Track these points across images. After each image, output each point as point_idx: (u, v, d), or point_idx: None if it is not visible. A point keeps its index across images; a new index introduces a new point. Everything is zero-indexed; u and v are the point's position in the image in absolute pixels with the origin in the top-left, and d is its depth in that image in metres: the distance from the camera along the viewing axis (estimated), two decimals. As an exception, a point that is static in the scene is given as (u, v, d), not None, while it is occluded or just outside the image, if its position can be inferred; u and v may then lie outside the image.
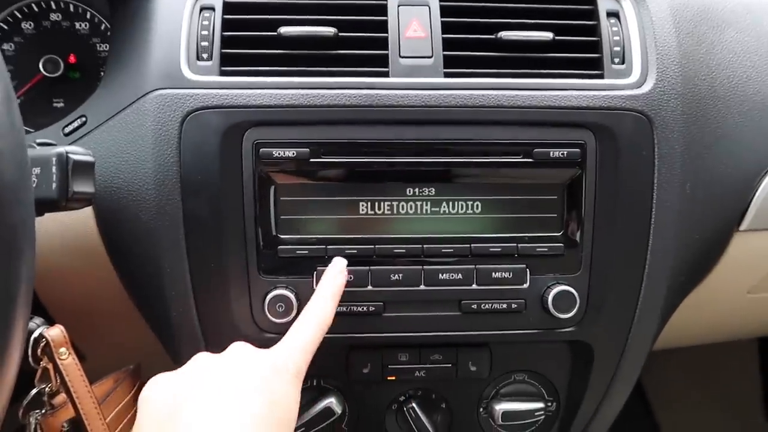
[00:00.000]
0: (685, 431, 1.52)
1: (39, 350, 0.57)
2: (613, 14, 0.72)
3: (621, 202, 0.67)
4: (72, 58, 0.82)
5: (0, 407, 0.36)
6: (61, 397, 0.61)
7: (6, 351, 0.36)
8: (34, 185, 0.46)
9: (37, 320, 0.58)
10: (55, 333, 0.58)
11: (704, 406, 1.55)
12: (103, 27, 0.82)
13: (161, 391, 0.52)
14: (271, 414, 0.49)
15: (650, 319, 0.71)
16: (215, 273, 0.66)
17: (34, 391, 0.59)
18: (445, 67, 0.67)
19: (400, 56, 0.68)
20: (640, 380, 1.55)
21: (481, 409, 0.75)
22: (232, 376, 0.51)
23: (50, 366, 0.59)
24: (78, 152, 0.48)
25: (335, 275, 0.63)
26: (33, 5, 0.82)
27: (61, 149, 0.47)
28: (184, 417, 0.48)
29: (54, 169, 0.46)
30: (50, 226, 0.67)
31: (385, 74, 0.67)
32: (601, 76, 0.69)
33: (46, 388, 0.60)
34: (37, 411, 0.60)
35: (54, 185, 0.46)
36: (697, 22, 0.73)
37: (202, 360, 0.55)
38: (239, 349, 0.56)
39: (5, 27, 0.81)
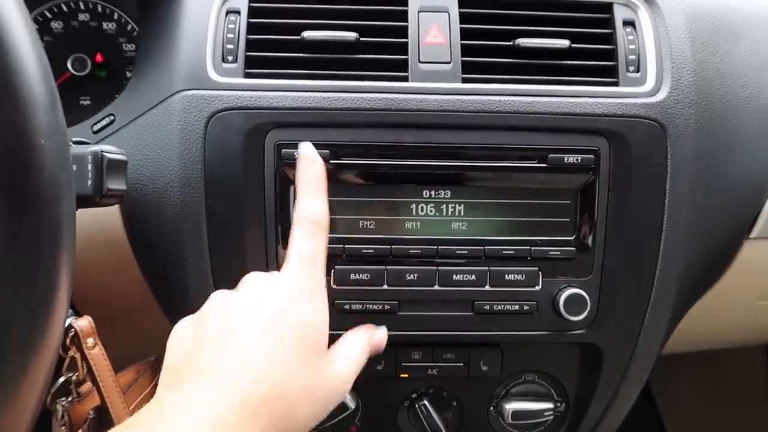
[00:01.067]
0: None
1: (68, 340, 0.60)
2: (629, 23, 0.73)
3: (633, 208, 0.69)
4: (99, 57, 0.85)
5: (39, 390, 0.38)
6: (87, 385, 0.63)
7: (48, 337, 0.38)
8: (70, 181, 0.48)
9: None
10: (84, 324, 0.60)
11: (712, 411, 1.55)
12: (129, 27, 0.84)
13: (181, 335, 0.54)
14: (295, 334, 0.51)
15: (659, 323, 0.72)
16: (236, 269, 0.67)
17: (61, 379, 0.62)
18: (463, 73, 0.69)
19: (420, 61, 0.69)
20: (650, 385, 1.56)
21: (492, 408, 0.77)
22: (246, 309, 0.52)
23: (78, 355, 0.61)
24: (112, 151, 0.50)
25: (307, 162, 0.60)
26: (62, 5, 0.84)
27: (96, 148, 0.49)
28: (194, 358, 0.50)
29: (90, 166, 0.48)
30: (78, 220, 0.69)
31: (405, 79, 0.69)
32: (616, 84, 0.70)
33: (73, 377, 0.63)
34: (64, 398, 0.63)
35: (89, 182, 0.48)
36: (712, 32, 0.75)
37: (217, 298, 0.56)
38: (252, 279, 0.56)
39: (35, 26, 0.84)
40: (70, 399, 0.63)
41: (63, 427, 0.62)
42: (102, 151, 0.49)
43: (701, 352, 1.13)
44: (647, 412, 1.56)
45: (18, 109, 0.37)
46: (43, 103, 0.38)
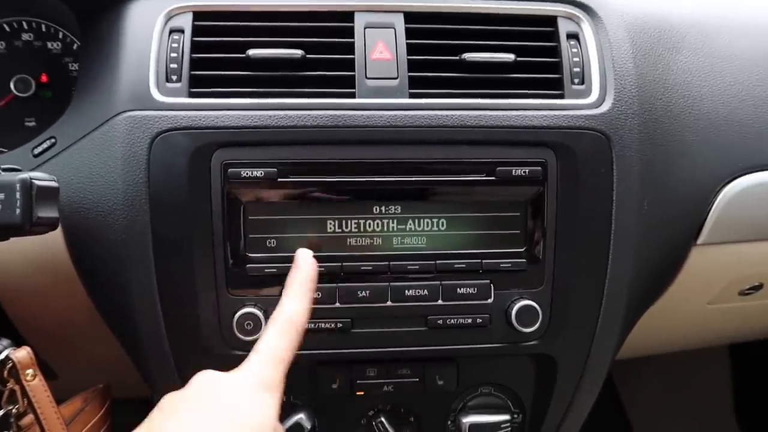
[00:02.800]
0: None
1: (5, 372, 0.58)
2: (573, 36, 0.74)
3: (581, 219, 0.69)
4: (44, 78, 0.83)
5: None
6: (29, 418, 0.61)
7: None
8: (-2, 210, 0.47)
9: (4, 342, 0.59)
10: (22, 355, 0.58)
11: (680, 412, 1.57)
12: (75, 46, 0.83)
13: None
14: None
15: (611, 331, 0.73)
16: (184, 291, 0.66)
17: (0, 412, 0.60)
18: (410, 88, 0.69)
19: (367, 77, 0.69)
20: (618, 389, 1.58)
21: (449, 423, 0.77)
22: (193, 411, 0.49)
23: (17, 387, 0.59)
24: (42, 178, 0.49)
25: (302, 267, 0.60)
26: (5, 25, 0.82)
27: (25, 175, 0.48)
28: None
29: (18, 194, 0.47)
30: (19, 245, 0.67)
31: (352, 95, 0.69)
32: (561, 96, 0.71)
33: (13, 410, 0.60)
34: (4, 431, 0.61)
35: (18, 211, 0.47)
36: (653, 43, 0.76)
37: (167, 404, 0.51)
38: (200, 379, 0.53)
39: (-24, 47, 0.82)
40: (10, 432, 0.61)
41: (4, 463, 0.60)
42: (31, 179, 0.48)
43: (667, 355, 1.15)
44: (616, 417, 1.57)
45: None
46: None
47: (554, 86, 0.72)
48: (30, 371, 0.58)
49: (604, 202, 0.70)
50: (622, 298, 0.72)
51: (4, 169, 0.51)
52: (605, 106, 0.71)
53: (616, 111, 0.70)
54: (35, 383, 0.59)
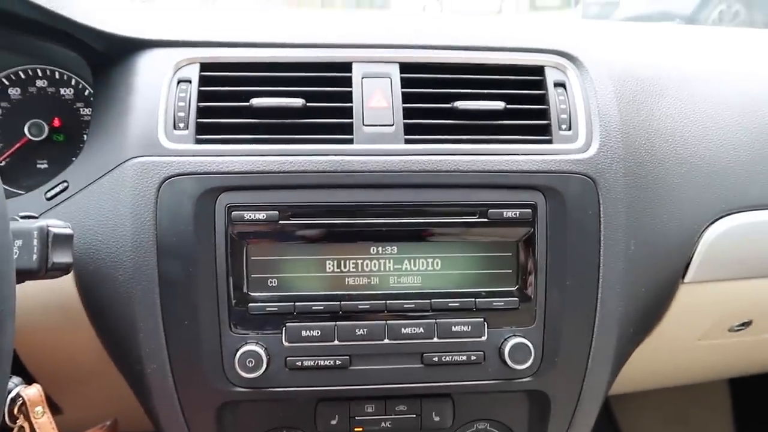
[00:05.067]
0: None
1: (15, 409, 0.60)
2: (560, 84, 0.78)
3: (570, 258, 0.72)
4: (56, 122, 0.87)
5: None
6: (36, 455, 0.63)
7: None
8: (15, 256, 0.50)
9: (15, 380, 0.61)
10: (32, 393, 0.60)
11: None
12: (87, 93, 0.87)
13: None
14: None
15: (602, 368, 0.75)
16: (188, 330, 0.69)
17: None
18: (405, 134, 0.73)
19: (364, 124, 0.73)
20: (618, 424, 1.57)
21: (446, 458, 0.78)
22: None
23: (26, 425, 0.61)
24: (58, 225, 0.52)
25: None
26: (20, 72, 0.87)
27: (42, 223, 0.51)
28: None
29: (35, 241, 0.50)
30: (31, 287, 0.69)
31: (350, 141, 0.72)
32: (549, 141, 0.75)
33: (21, 447, 0.62)
34: (11, 469, 0.62)
35: (35, 257, 0.50)
36: (637, 91, 0.80)
37: None
38: None
39: (-7, 93, 0.86)
40: (17, 470, 0.62)
41: (10, 500, 0.62)
42: (48, 226, 0.51)
43: (667, 389, 1.16)
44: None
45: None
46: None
47: (543, 132, 0.76)
48: (39, 408, 0.60)
49: (591, 242, 0.73)
50: (612, 334, 0.74)
51: (22, 217, 0.54)
52: (591, 151, 0.74)
53: (602, 155, 0.74)
54: (43, 420, 0.61)
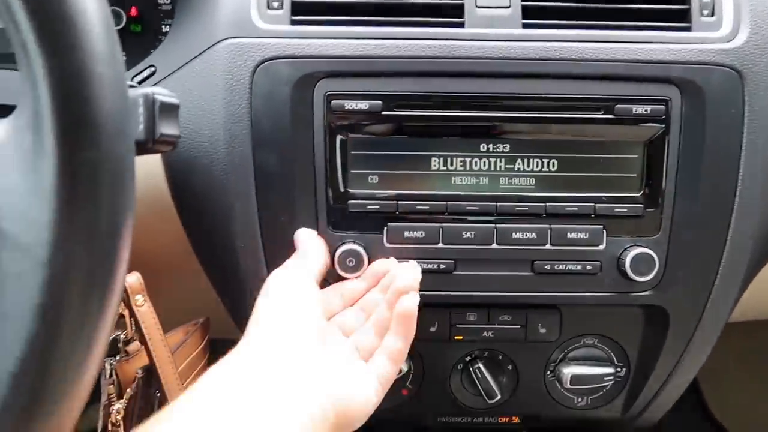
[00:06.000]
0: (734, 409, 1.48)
1: (116, 296, 0.58)
2: (703, -38, 0.67)
3: (706, 162, 0.64)
4: (133, 11, 0.81)
5: (104, 340, 0.36)
6: (136, 344, 0.62)
7: (113, 284, 0.35)
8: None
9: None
10: (133, 280, 0.58)
11: (756, 386, 1.50)
12: (165, -20, 0.81)
13: None
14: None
15: (731, 284, 0.68)
16: (285, 226, 0.65)
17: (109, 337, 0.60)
18: (523, 18, 0.65)
19: (477, 6, 0.65)
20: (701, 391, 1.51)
21: (548, 372, 0.74)
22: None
23: (126, 313, 0.59)
24: (164, 93, 0.47)
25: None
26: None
27: (148, 90, 0.46)
28: None
29: (141, 109, 0.45)
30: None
31: (461, 25, 0.65)
32: (688, 29, 0.65)
33: (122, 335, 0.61)
34: (112, 357, 0.61)
35: (141, 126, 0.45)
36: (795, -29, 0.69)
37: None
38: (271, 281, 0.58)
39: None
40: (118, 358, 0.61)
41: (111, 386, 0.61)
42: (154, 94, 0.46)
43: (745, 323, 1.08)
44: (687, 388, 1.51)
45: (72, 34, 0.33)
46: (98, 28, 0.35)
47: (681, 18, 0.66)
48: (140, 297, 0.58)
49: (731, 144, 0.64)
50: (745, 249, 0.67)
51: (123, 85, 0.49)
52: (738, 40, 0.64)
53: (751, 45, 0.64)
54: (144, 309, 0.59)
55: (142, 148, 0.46)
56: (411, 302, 0.56)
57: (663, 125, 0.64)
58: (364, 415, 0.53)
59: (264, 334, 0.51)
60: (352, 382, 0.53)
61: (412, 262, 0.63)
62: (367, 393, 0.54)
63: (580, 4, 0.66)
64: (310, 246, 0.62)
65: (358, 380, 0.54)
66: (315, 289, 0.57)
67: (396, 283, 0.58)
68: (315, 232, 0.64)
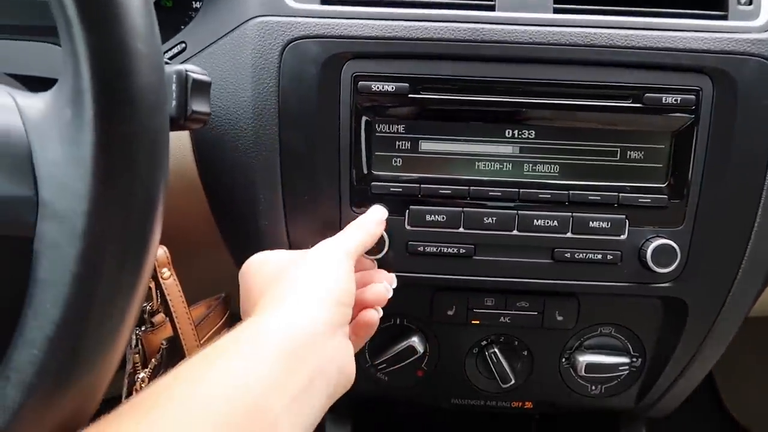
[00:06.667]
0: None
1: (143, 268, 0.59)
2: (742, -51, 0.66)
3: (735, 154, 0.63)
4: (165, -14, 0.82)
5: (136, 309, 0.37)
6: (161, 316, 0.63)
7: (146, 255, 0.36)
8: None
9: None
10: (159, 253, 0.59)
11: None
12: (196, -45, 0.81)
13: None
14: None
15: (753, 279, 0.67)
16: (308, 205, 0.66)
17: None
18: (555, 3, 0.64)
19: (508, -11, 0.64)
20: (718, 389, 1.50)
21: (564, 360, 0.74)
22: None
23: (152, 285, 0.61)
24: (196, 71, 0.48)
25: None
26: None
27: (180, 67, 0.47)
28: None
29: (174, 86, 0.46)
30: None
31: (491, 8, 0.64)
32: (725, 18, 0.64)
33: (147, 307, 0.62)
34: (138, 327, 0.63)
35: (174, 103, 0.46)
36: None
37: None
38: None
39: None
40: (143, 328, 0.63)
41: (137, 355, 0.62)
42: (186, 71, 0.47)
43: (761, 318, 1.07)
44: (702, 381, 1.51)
45: (113, 11, 0.34)
46: (137, 5, 0.35)
47: (717, 6, 0.65)
48: (166, 270, 0.60)
49: (762, 137, 0.63)
50: (770, 243, 0.66)
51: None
52: (775, 31, 0.63)
53: (788, 36, 0.63)
54: (170, 282, 0.60)
55: (175, 124, 0.47)
56: (379, 291, 0.58)
57: (693, 116, 0.63)
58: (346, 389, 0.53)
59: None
60: (352, 361, 0.53)
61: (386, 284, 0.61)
62: (353, 371, 0.54)
63: (613, -10, 0.65)
64: (357, 230, 0.61)
65: (353, 360, 0.54)
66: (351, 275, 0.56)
67: (365, 294, 0.58)
68: (382, 212, 0.64)
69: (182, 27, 0.77)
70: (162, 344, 0.63)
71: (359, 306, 0.57)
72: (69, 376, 0.36)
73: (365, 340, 0.59)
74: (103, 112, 0.34)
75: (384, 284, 0.59)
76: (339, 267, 0.54)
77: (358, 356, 0.55)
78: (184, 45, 0.69)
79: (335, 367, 0.49)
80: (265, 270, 0.56)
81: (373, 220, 0.62)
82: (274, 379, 0.42)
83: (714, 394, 1.49)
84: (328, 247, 0.57)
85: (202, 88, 0.48)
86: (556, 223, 0.65)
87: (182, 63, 0.69)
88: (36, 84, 0.74)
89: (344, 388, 0.52)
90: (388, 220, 0.66)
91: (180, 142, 0.69)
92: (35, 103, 0.36)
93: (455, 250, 0.66)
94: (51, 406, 0.35)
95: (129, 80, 0.34)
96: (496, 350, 0.72)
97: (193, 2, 0.81)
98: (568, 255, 0.66)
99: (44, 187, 0.34)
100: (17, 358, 0.34)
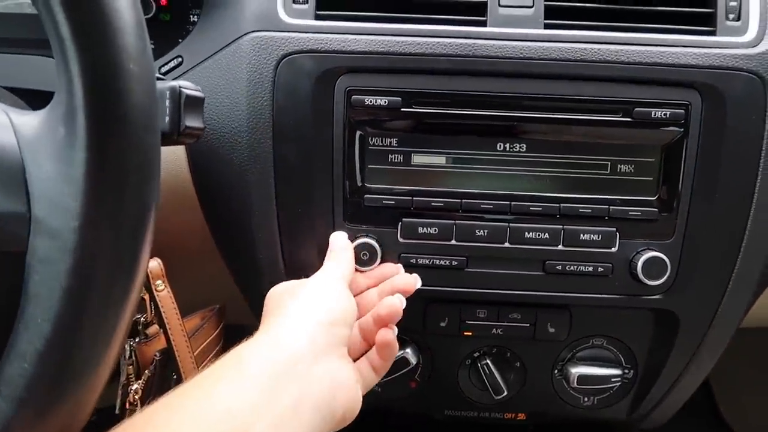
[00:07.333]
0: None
1: (138, 280, 0.60)
2: (730, -35, 0.67)
3: (724, 168, 0.64)
4: (163, 0, 0.83)
5: (127, 323, 0.38)
6: (155, 327, 0.64)
7: (137, 271, 0.37)
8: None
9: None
10: (153, 265, 0.60)
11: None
12: (194, -31, 0.82)
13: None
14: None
15: (743, 291, 0.68)
16: (302, 218, 0.66)
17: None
18: (545, 18, 0.65)
19: (499, 5, 0.65)
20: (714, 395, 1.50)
21: (556, 371, 0.75)
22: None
23: (146, 297, 0.61)
24: (189, 87, 0.49)
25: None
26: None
27: (174, 83, 0.48)
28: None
29: (167, 102, 0.47)
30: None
31: (483, 23, 0.65)
32: (713, 33, 0.65)
33: (141, 318, 0.63)
34: (132, 339, 0.63)
35: (167, 118, 0.47)
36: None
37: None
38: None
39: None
40: (137, 340, 0.63)
41: (130, 367, 0.63)
42: (180, 87, 0.48)
43: (760, 329, 1.07)
44: (699, 392, 1.51)
45: (106, 31, 0.35)
46: (131, 26, 0.36)
47: (705, 22, 0.66)
48: (160, 282, 0.60)
49: (751, 151, 0.64)
50: (760, 255, 0.66)
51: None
52: (763, 46, 0.64)
53: (776, 51, 0.64)
54: (164, 294, 0.61)
55: (168, 139, 0.48)
56: (393, 303, 0.58)
57: (682, 130, 0.64)
58: (351, 416, 0.53)
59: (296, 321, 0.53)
60: (350, 386, 0.53)
61: (416, 274, 0.64)
62: (357, 396, 0.54)
63: (603, 6, 0.66)
64: (343, 252, 0.63)
65: (353, 384, 0.54)
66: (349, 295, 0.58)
67: (395, 281, 0.62)
68: (345, 236, 0.65)
69: (180, 40, 0.78)
70: (155, 356, 0.63)
71: (377, 323, 0.58)
72: (59, 390, 0.36)
73: (391, 360, 0.59)
74: (96, 131, 0.34)
75: (398, 296, 0.60)
76: (337, 287, 0.56)
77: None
78: (180, 59, 0.70)
79: (327, 391, 0.49)
80: (273, 298, 0.58)
81: (346, 246, 0.63)
82: (255, 402, 0.42)
83: (712, 406, 1.49)
84: (323, 274, 0.59)
85: (195, 103, 0.49)
86: (547, 235, 0.66)
87: (179, 77, 0.70)
88: (34, 97, 0.75)
89: (344, 416, 0.51)
90: (380, 232, 0.66)
91: (175, 155, 0.70)
92: (30, 120, 0.37)
93: (447, 262, 0.67)
94: (41, 419, 0.35)
95: (121, 100, 0.35)
96: (489, 362, 0.73)
97: (191, 16, 0.82)
98: (559, 267, 0.66)
99: (37, 203, 0.35)
100: (8, 372, 0.35)
